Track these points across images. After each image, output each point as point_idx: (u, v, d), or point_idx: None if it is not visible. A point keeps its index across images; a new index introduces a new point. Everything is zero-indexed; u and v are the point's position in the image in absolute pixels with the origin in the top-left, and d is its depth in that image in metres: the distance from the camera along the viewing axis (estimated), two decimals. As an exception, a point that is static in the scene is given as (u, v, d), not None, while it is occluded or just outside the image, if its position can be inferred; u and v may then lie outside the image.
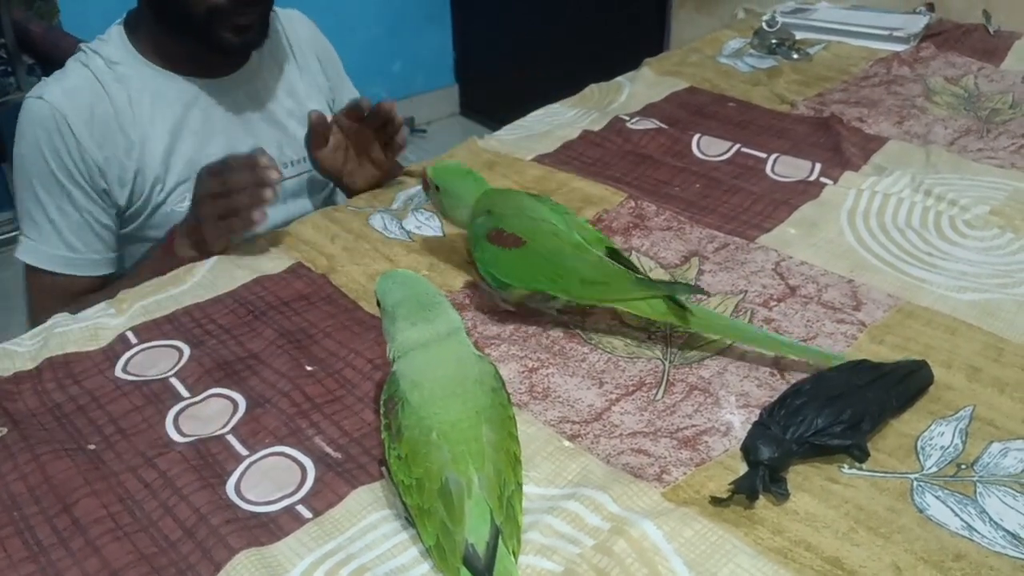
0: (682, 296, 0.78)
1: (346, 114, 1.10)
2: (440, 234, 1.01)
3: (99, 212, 1.07)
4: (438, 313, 0.66)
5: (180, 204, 1.08)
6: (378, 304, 0.69)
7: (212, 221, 0.96)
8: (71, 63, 1.08)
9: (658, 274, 0.92)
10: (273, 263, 0.96)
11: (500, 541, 0.57)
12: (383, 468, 0.67)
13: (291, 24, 1.22)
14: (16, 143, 1.06)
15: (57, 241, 1.06)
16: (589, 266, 0.79)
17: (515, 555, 0.58)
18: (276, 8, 1.14)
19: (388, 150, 1.13)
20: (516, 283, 0.83)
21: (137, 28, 1.09)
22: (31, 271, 1.08)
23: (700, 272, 0.92)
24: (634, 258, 0.94)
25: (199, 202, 0.97)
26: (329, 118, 1.11)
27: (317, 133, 1.11)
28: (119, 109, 1.06)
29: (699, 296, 0.84)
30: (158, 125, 1.08)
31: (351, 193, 1.16)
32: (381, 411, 0.65)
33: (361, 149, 1.13)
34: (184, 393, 0.78)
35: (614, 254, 0.82)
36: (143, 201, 1.09)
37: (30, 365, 0.82)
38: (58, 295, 1.06)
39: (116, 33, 1.10)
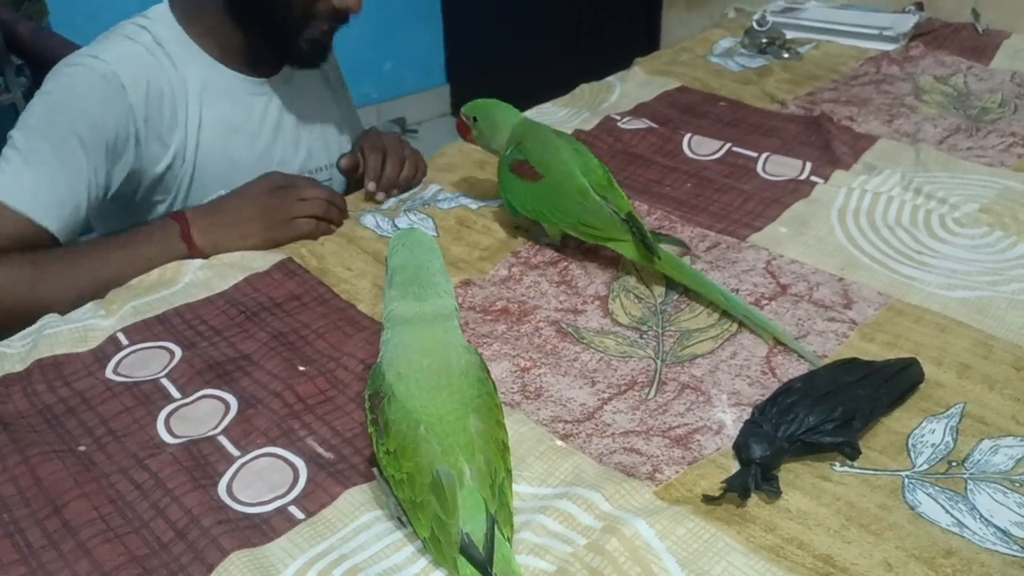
0: (671, 245, 0.92)
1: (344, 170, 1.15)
2: (434, 233, 1.01)
3: (101, 184, 0.99)
4: (430, 294, 0.66)
5: (201, 193, 1.07)
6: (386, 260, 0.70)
7: (284, 216, 0.99)
8: (113, 37, 1.03)
9: (651, 273, 0.92)
10: (262, 260, 0.96)
11: (497, 529, 0.57)
12: (375, 468, 0.67)
13: None
14: (50, 91, 0.99)
15: (40, 184, 0.94)
16: (587, 211, 0.90)
17: (509, 541, 0.59)
18: None
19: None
20: (526, 212, 0.95)
21: (191, 13, 1.06)
22: None
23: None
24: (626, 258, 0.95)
25: (275, 192, 0.98)
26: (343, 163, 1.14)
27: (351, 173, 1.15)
28: (171, 87, 1.03)
29: (682, 249, 0.94)
30: (205, 113, 1.06)
31: None
32: (367, 406, 0.64)
33: None
34: (175, 394, 0.77)
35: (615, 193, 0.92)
36: (169, 182, 1.06)
37: (19, 367, 0.81)
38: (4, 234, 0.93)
39: (163, 13, 1.06)
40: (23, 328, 0.88)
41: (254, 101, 1.11)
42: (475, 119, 1.01)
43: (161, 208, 1.07)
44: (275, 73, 1.13)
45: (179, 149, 1.04)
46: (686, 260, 0.92)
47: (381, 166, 1.11)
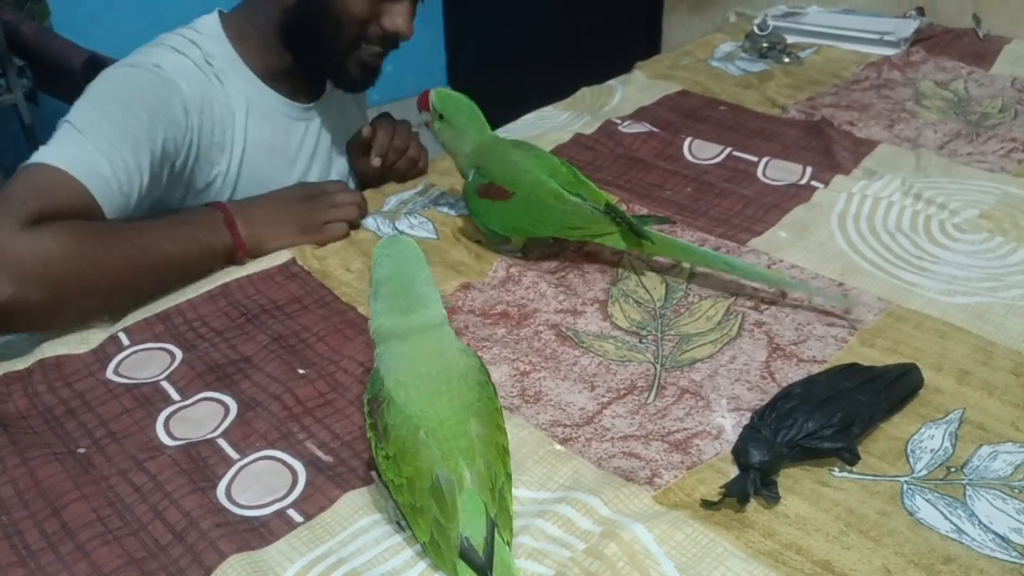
0: (657, 224, 0.93)
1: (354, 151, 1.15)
2: (434, 236, 1.01)
3: (148, 179, 0.92)
4: (418, 306, 0.65)
5: None
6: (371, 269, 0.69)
7: (317, 221, 1.00)
8: (162, 48, 0.99)
9: (650, 277, 0.92)
10: (267, 259, 0.96)
11: (496, 533, 0.57)
12: (373, 472, 0.67)
13: None
14: (109, 78, 0.94)
15: (100, 159, 0.87)
16: (568, 213, 0.91)
17: (509, 544, 0.59)
18: None
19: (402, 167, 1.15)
20: (507, 232, 0.95)
21: (243, 30, 1.04)
22: (40, 169, 0.85)
23: (692, 275, 0.92)
24: (626, 260, 0.94)
25: (310, 198, 1.00)
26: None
27: (361, 145, 1.14)
28: (221, 103, 1.02)
29: (663, 226, 0.96)
30: (249, 134, 1.05)
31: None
32: (365, 410, 0.64)
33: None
34: (175, 396, 0.77)
35: (585, 188, 0.93)
36: (206, 199, 1.04)
37: (20, 366, 0.81)
38: (60, 200, 0.84)
39: (213, 29, 1.04)
40: (78, 314, 0.85)
41: (294, 127, 1.10)
42: (441, 116, 0.97)
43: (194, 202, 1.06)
44: (316, 99, 1.13)
45: (223, 168, 1.04)
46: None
47: (389, 141, 1.13)
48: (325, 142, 1.15)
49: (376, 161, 1.11)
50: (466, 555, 0.57)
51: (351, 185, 1.20)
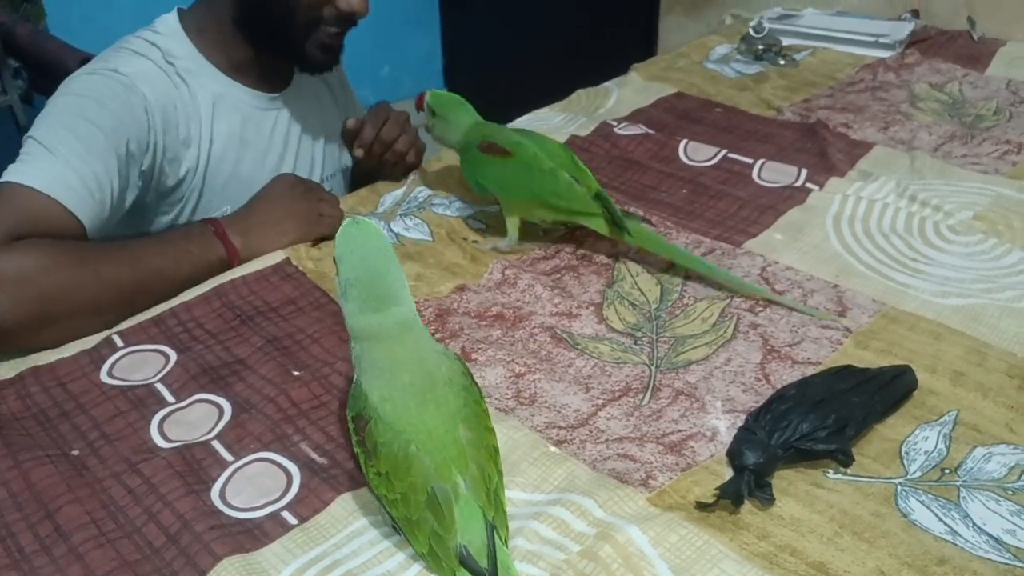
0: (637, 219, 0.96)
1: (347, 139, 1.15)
2: (430, 239, 1.01)
3: (121, 185, 0.94)
4: (389, 304, 0.63)
5: (208, 208, 1.06)
6: (334, 260, 0.66)
7: (312, 214, 1.00)
8: (123, 52, 1.00)
9: (645, 279, 0.92)
10: (261, 260, 0.96)
11: (496, 536, 0.57)
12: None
13: None
14: (70, 91, 0.95)
15: (69, 173, 0.88)
16: (560, 184, 0.93)
17: (506, 543, 0.59)
18: None
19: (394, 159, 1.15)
20: (497, 189, 0.97)
21: (202, 26, 1.05)
22: (11, 189, 0.86)
23: (687, 277, 0.92)
24: (621, 263, 0.94)
25: (299, 194, 1.00)
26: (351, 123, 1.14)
27: (349, 135, 1.14)
28: (184, 102, 1.02)
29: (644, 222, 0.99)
30: (216, 128, 1.05)
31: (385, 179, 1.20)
32: (351, 427, 0.63)
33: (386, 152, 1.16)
34: (169, 398, 0.77)
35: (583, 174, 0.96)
36: (176, 197, 1.04)
37: (11, 374, 0.81)
38: (34, 218, 0.86)
39: (173, 27, 1.04)
40: (70, 330, 0.84)
41: (264, 116, 1.10)
42: (433, 112, 1.02)
43: (165, 220, 1.06)
44: (285, 87, 1.13)
45: (191, 165, 1.04)
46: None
47: (375, 134, 1.13)
48: (297, 130, 1.15)
49: (358, 152, 1.12)
50: (466, 563, 0.57)
51: (328, 171, 1.20)
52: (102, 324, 0.87)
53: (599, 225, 0.93)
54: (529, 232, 1.00)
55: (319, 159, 1.19)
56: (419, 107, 1.05)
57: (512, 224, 0.97)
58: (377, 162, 1.15)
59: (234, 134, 1.07)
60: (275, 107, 1.12)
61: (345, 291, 0.64)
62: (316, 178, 1.18)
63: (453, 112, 1.02)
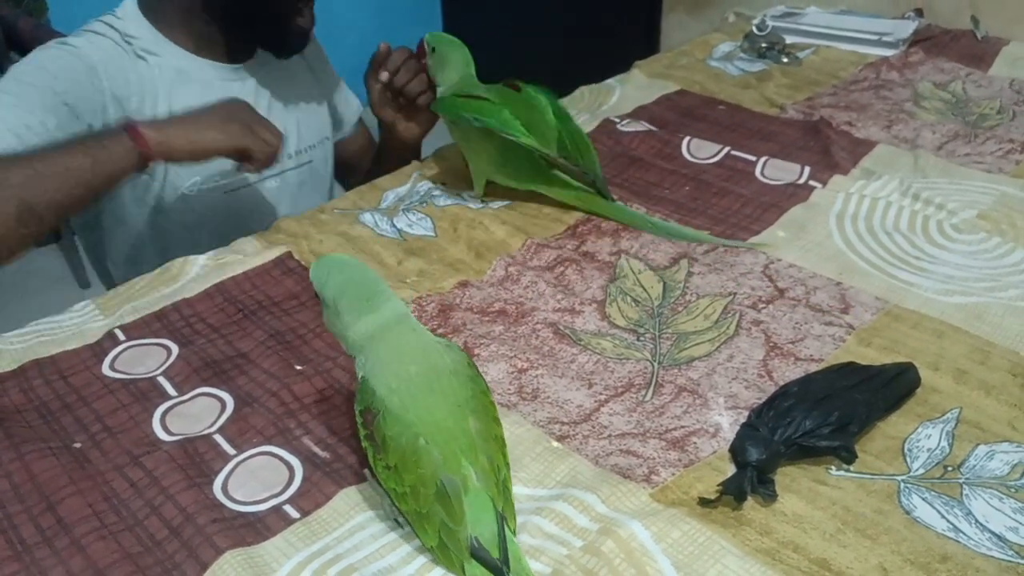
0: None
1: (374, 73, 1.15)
2: (432, 234, 1.01)
3: (48, 131, 0.95)
4: (381, 300, 0.64)
5: (186, 183, 1.07)
6: (316, 295, 0.66)
7: (244, 127, 0.96)
8: (81, 36, 1.03)
9: (648, 276, 0.92)
10: (261, 255, 0.96)
11: (506, 527, 0.58)
12: (366, 471, 0.67)
13: None
14: (23, 60, 1.00)
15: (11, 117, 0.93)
16: (555, 130, 1.00)
17: (514, 532, 0.59)
18: None
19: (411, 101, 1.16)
20: (475, 119, 0.99)
21: (160, 10, 1.07)
22: None
23: (689, 274, 0.92)
24: (623, 259, 0.94)
25: (237, 112, 0.97)
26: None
27: (376, 61, 1.14)
28: (141, 76, 1.04)
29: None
30: (176, 103, 1.06)
31: (402, 144, 1.22)
32: (359, 421, 0.63)
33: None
34: (172, 392, 0.77)
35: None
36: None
37: (13, 367, 0.81)
38: None
39: (132, 12, 1.07)
40: None
41: (230, 88, 1.10)
42: (433, 49, 1.06)
43: (131, 196, 1.07)
44: (248, 59, 1.13)
45: None
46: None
47: (403, 59, 1.14)
48: (265, 99, 1.15)
49: (384, 76, 1.12)
50: (478, 555, 0.57)
51: (307, 141, 1.20)
52: (28, 237, 0.85)
53: (570, 189, 1.01)
54: (529, 226, 1.00)
55: (292, 128, 1.18)
56: (420, 54, 1.09)
57: (479, 176, 1.05)
58: (395, 94, 1.15)
59: (196, 107, 1.06)
60: (239, 78, 1.12)
61: (336, 309, 0.64)
62: (293, 148, 1.18)
63: (449, 51, 1.06)
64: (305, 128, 1.20)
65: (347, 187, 1.29)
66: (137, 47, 1.05)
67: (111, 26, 1.05)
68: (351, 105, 1.33)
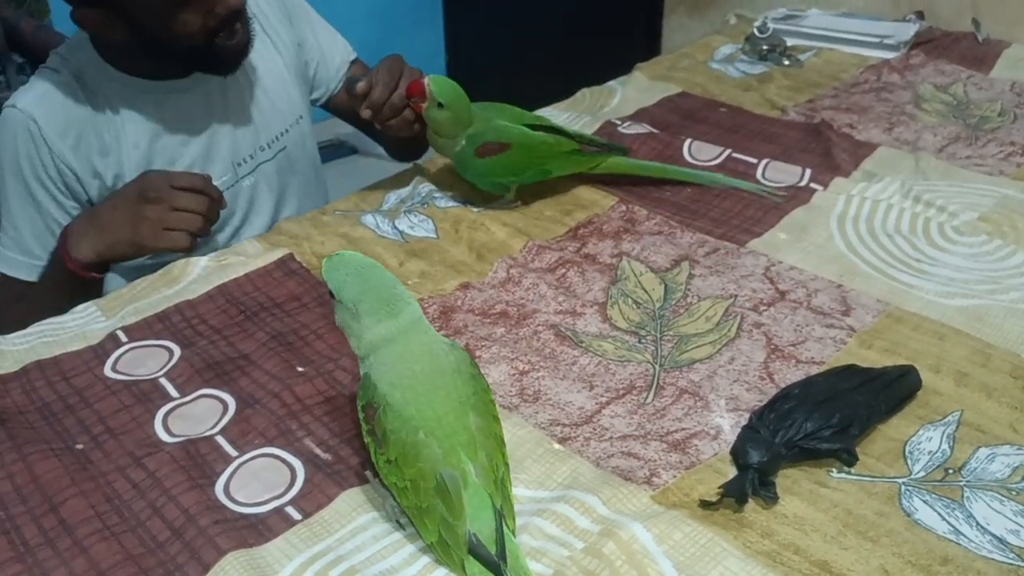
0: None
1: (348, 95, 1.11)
2: (434, 236, 1.01)
3: (52, 215, 1.06)
4: (401, 306, 0.64)
5: None
6: (326, 293, 0.66)
7: (154, 226, 0.96)
8: (41, 71, 1.07)
9: (649, 278, 0.92)
10: (263, 257, 0.96)
11: (504, 524, 0.58)
12: (367, 472, 0.67)
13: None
14: None
15: (17, 248, 1.06)
16: (559, 150, 1.05)
17: (513, 532, 0.59)
18: None
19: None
20: (510, 179, 1.05)
21: (101, 43, 1.06)
22: None
23: (690, 276, 0.92)
24: (624, 262, 0.95)
25: (148, 200, 0.96)
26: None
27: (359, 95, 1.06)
28: (94, 112, 1.05)
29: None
30: (133, 129, 1.06)
31: (396, 146, 1.28)
32: (360, 417, 0.63)
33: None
34: (174, 393, 0.77)
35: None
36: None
37: (15, 368, 0.81)
38: (8, 296, 1.06)
39: (82, 40, 1.07)
40: None
41: (182, 100, 1.09)
42: (440, 104, 1.00)
43: None
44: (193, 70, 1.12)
45: (117, 171, 1.06)
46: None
47: (387, 97, 1.04)
48: (221, 100, 1.12)
49: (366, 113, 1.05)
50: (475, 550, 0.57)
51: (277, 128, 1.17)
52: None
53: (606, 165, 1.07)
54: (530, 228, 1.00)
55: (260, 120, 1.16)
56: (412, 92, 1.00)
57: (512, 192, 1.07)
58: (381, 124, 1.08)
59: (149, 129, 1.07)
60: (190, 87, 1.10)
61: (356, 312, 0.64)
62: (264, 140, 1.16)
63: (462, 110, 1.01)
64: (272, 116, 1.17)
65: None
66: (87, 80, 1.05)
67: (65, 59, 1.07)
68: (332, 62, 1.27)
